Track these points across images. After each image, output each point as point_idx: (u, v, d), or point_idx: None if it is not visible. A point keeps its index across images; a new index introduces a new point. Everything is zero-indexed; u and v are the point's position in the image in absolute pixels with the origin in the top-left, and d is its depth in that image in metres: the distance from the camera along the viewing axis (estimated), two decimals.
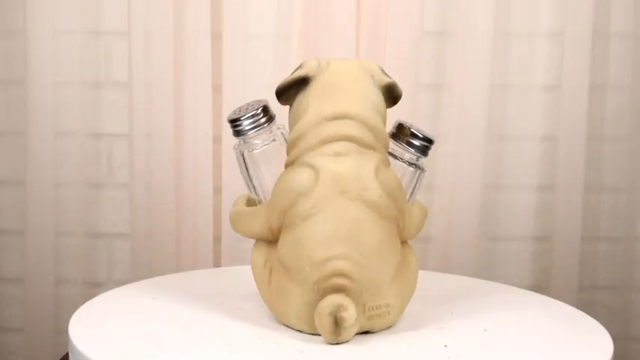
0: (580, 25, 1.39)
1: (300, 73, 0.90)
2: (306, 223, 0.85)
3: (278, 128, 0.95)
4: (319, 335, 0.85)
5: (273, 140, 0.94)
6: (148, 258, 1.42)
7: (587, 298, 1.46)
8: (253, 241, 0.93)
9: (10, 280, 1.49)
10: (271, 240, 0.90)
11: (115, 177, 1.47)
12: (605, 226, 1.47)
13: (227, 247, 1.41)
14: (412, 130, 0.95)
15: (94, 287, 1.47)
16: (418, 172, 0.96)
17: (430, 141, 0.96)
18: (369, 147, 0.88)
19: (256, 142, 0.93)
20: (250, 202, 0.97)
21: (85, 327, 0.88)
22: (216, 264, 1.44)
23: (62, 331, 1.43)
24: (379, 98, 0.91)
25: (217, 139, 1.42)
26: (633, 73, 1.42)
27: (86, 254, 1.47)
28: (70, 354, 0.85)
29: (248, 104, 0.95)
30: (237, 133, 0.94)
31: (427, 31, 1.42)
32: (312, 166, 0.86)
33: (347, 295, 0.83)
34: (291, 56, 1.39)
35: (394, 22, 1.37)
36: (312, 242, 0.84)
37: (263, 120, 0.93)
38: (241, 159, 0.94)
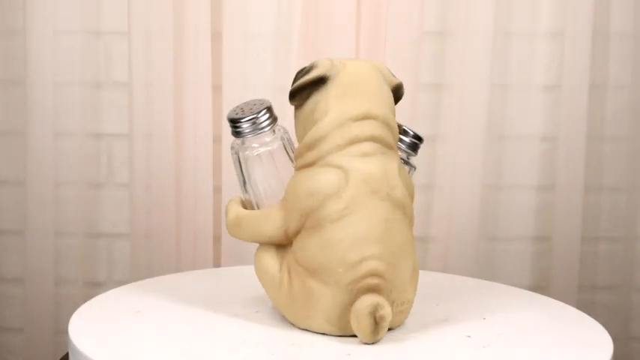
0: (580, 25, 1.39)
1: (318, 72, 0.88)
2: (337, 225, 0.84)
3: (278, 130, 0.93)
4: (342, 336, 0.85)
5: (272, 144, 0.92)
6: (148, 258, 1.42)
7: (587, 298, 1.46)
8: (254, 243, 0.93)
9: (10, 280, 1.49)
10: (283, 243, 0.89)
11: (115, 177, 1.47)
12: (605, 226, 1.47)
13: (227, 247, 1.41)
14: (403, 127, 0.95)
15: (94, 287, 1.47)
16: (410, 170, 0.96)
17: (420, 139, 0.96)
18: (390, 147, 0.88)
19: (254, 144, 0.92)
20: (244, 206, 0.95)
21: (85, 327, 0.88)
22: (216, 264, 1.44)
23: (62, 331, 1.43)
24: (391, 98, 0.91)
25: (217, 139, 1.42)
26: (633, 73, 1.43)
27: (86, 254, 1.47)
28: (70, 354, 0.85)
29: (249, 104, 0.93)
30: (236, 134, 0.92)
31: (427, 31, 1.42)
32: (339, 167, 0.85)
33: (380, 294, 0.84)
34: (291, 56, 1.39)
35: (394, 22, 1.37)
36: (344, 243, 0.83)
37: (264, 123, 0.91)
38: (237, 159, 0.93)
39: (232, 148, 0.94)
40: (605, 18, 1.43)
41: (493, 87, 1.41)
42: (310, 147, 0.87)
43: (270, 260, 0.89)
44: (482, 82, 1.39)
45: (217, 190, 1.42)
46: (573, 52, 1.40)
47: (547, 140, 1.45)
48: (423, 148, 0.99)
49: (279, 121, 0.94)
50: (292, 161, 0.92)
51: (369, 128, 0.87)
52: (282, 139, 0.93)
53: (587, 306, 1.43)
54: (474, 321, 0.94)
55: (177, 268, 1.41)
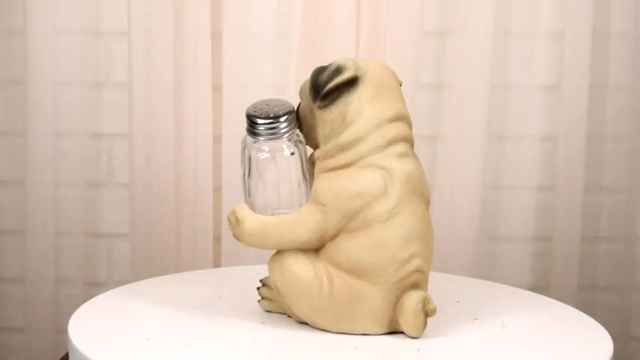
0: (580, 25, 1.39)
1: (351, 73, 0.88)
2: (387, 225, 0.85)
3: (295, 137, 0.89)
4: (374, 335, 0.87)
5: (285, 151, 0.88)
6: (148, 258, 1.42)
7: (587, 298, 1.46)
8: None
9: (10, 280, 1.49)
10: (318, 247, 0.88)
11: (115, 177, 1.47)
12: (605, 226, 1.47)
13: (227, 247, 1.41)
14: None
15: (94, 287, 1.47)
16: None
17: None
18: (413, 146, 0.91)
19: (265, 147, 0.89)
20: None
21: (85, 327, 0.88)
22: (216, 264, 1.44)
23: (62, 331, 1.43)
24: None
25: (217, 139, 1.42)
26: (633, 73, 1.42)
27: (86, 254, 1.47)
28: (70, 354, 0.85)
29: (272, 103, 0.89)
30: (251, 133, 0.89)
31: (427, 31, 1.42)
32: (382, 168, 0.86)
33: (421, 288, 0.88)
34: (291, 56, 1.39)
35: (394, 22, 1.37)
36: (396, 243, 0.85)
37: (282, 130, 0.88)
38: (244, 155, 0.90)
39: (242, 142, 0.91)
40: (605, 18, 1.43)
41: (493, 87, 1.41)
42: (345, 148, 0.87)
43: (302, 266, 0.87)
44: (482, 82, 1.39)
45: (217, 190, 1.42)
46: (573, 52, 1.40)
47: (547, 140, 1.45)
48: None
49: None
50: (305, 169, 0.89)
51: (403, 129, 0.89)
52: (297, 146, 0.89)
53: (587, 306, 1.43)
54: (474, 321, 0.94)
55: (178, 268, 1.41)
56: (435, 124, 1.43)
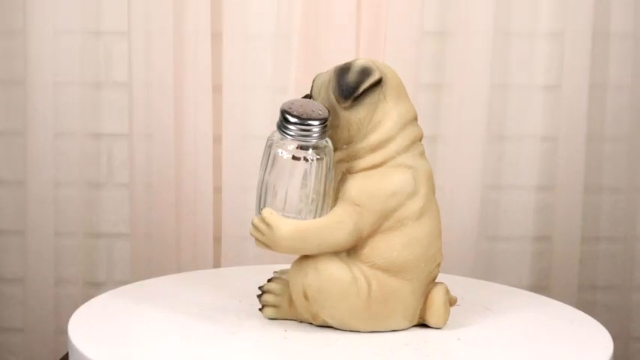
0: (580, 25, 1.39)
1: (378, 75, 0.89)
2: (419, 222, 0.89)
3: (318, 146, 0.86)
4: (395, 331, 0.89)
5: (312, 155, 0.86)
6: (148, 258, 1.42)
7: (587, 298, 1.46)
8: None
9: (10, 280, 1.49)
10: (350, 248, 0.88)
11: (115, 177, 1.47)
12: (605, 226, 1.47)
13: (227, 247, 1.41)
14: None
15: (94, 287, 1.47)
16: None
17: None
18: None
19: (290, 147, 0.86)
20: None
21: (85, 327, 0.88)
22: (216, 264, 1.44)
23: (62, 331, 1.43)
24: None
25: (217, 139, 1.42)
26: (633, 73, 1.42)
27: (86, 254, 1.47)
28: (69, 354, 0.85)
29: (308, 105, 0.87)
30: (281, 129, 0.86)
31: (427, 31, 1.42)
32: (410, 167, 0.89)
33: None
34: (291, 56, 1.38)
35: (394, 22, 1.37)
36: (427, 239, 0.89)
37: (314, 135, 0.86)
38: (268, 152, 0.87)
39: (269, 139, 0.88)
40: (605, 18, 1.43)
41: (493, 87, 1.41)
42: (375, 148, 0.88)
43: (339, 269, 0.87)
44: (482, 82, 1.39)
45: (217, 190, 1.42)
46: (573, 52, 1.40)
47: (547, 140, 1.45)
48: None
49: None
50: (325, 186, 0.88)
51: (420, 129, 0.92)
52: (322, 156, 0.87)
53: (587, 306, 1.43)
54: (474, 320, 0.94)
55: (178, 268, 1.41)
56: (435, 124, 1.43)
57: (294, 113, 0.86)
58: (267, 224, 0.86)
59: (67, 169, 1.44)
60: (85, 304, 0.97)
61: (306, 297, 0.88)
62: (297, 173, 0.87)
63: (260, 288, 0.93)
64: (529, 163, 1.46)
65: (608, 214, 1.47)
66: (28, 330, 1.44)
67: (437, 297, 0.90)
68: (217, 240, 1.43)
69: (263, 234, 0.87)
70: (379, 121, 0.88)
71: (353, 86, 0.88)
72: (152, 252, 1.41)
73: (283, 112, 0.86)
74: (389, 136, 0.88)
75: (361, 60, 0.91)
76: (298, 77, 1.37)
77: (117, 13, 1.43)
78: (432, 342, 0.87)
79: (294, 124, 0.86)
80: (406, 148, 0.89)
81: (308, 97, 0.93)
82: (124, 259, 1.48)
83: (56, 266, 1.44)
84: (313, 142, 0.86)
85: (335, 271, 0.87)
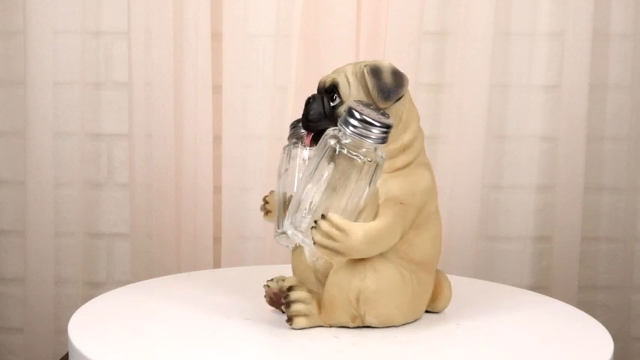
0: (580, 25, 1.39)
1: (406, 77, 0.90)
2: (437, 217, 0.93)
3: (369, 152, 0.84)
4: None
5: (357, 159, 0.84)
6: (148, 258, 1.42)
7: (587, 298, 1.46)
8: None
9: (10, 280, 1.49)
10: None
11: (115, 177, 1.47)
12: (605, 226, 1.47)
13: (227, 247, 1.41)
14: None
15: (94, 287, 1.47)
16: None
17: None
18: None
19: (346, 141, 0.84)
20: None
21: (85, 327, 0.88)
22: (216, 264, 1.44)
23: (62, 331, 1.43)
24: None
25: (217, 139, 1.42)
26: (633, 73, 1.43)
27: (86, 254, 1.47)
28: (70, 354, 0.85)
29: (375, 111, 0.86)
30: (345, 122, 0.83)
31: (427, 31, 1.42)
32: (428, 166, 0.92)
33: None
34: (291, 56, 1.39)
35: (394, 22, 1.37)
36: (441, 233, 0.94)
37: (372, 137, 0.83)
38: (325, 147, 0.84)
39: (330, 135, 0.85)
40: (605, 18, 1.43)
41: (493, 87, 1.41)
42: (406, 148, 0.90)
43: (393, 268, 0.88)
44: (482, 82, 1.39)
45: (217, 190, 1.42)
46: (573, 52, 1.40)
47: (547, 140, 1.45)
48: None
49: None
50: (364, 197, 0.85)
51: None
52: (371, 164, 0.85)
53: (587, 306, 1.43)
54: (474, 320, 0.94)
55: (178, 268, 1.41)
56: (435, 124, 1.43)
57: (363, 112, 0.84)
58: (342, 230, 0.83)
59: (67, 169, 1.44)
60: (85, 304, 0.97)
61: (357, 300, 0.87)
62: (354, 177, 0.85)
63: (285, 299, 0.89)
64: (529, 163, 1.46)
65: (608, 214, 1.47)
66: (28, 330, 1.44)
67: (445, 283, 0.96)
68: (217, 240, 1.43)
69: (336, 240, 0.83)
70: (407, 121, 0.90)
71: (394, 88, 0.88)
72: (152, 252, 1.41)
73: (352, 108, 0.84)
74: (416, 135, 0.91)
75: (384, 61, 0.91)
76: (298, 77, 1.37)
77: (117, 13, 1.43)
78: (431, 341, 0.87)
79: (377, 127, 0.84)
80: (423, 147, 0.93)
81: (315, 97, 0.91)
82: (124, 259, 1.48)
83: (56, 266, 1.44)
84: (368, 142, 0.84)
85: (391, 271, 0.88)
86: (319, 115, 0.90)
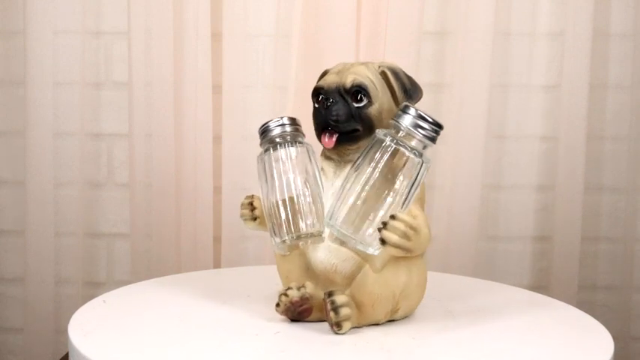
0: (580, 25, 1.39)
1: None
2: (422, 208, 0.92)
3: (419, 150, 0.87)
4: None
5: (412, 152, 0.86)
6: (148, 258, 1.42)
7: (587, 298, 1.46)
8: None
9: (10, 280, 1.49)
10: None
11: (115, 177, 1.47)
12: (605, 226, 1.47)
13: (227, 247, 1.41)
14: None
15: (94, 287, 1.47)
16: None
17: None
18: None
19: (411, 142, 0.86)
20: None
21: (85, 327, 0.88)
22: (216, 264, 1.44)
23: (62, 331, 1.43)
24: None
25: (217, 139, 1.42)
26: (633, 73, 1.43)
27: (86, 254, 1.47)
28: (70, 354, 0.85)
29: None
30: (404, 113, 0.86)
31: (427, 31, 1.42)
32: None
33: None
34: (291, 56, 1.39)
35: (394, 22, 1.37)
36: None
37: (429, 134, 0.87)
38: (390, 149, 0.86)
39: (389, 137, 0.85)
40: (605, 18, 1.43)
41: (493, 87, 1.41)
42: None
43: (422, 259, 0.91)
44: (482, 82, 1.39)
45: (217, 190, 1.42)
46: (573, 52, 1.40)
47: (547, 140, 1.46)
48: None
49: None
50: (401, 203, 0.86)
51: None
52: (426, 158, 0.87)
53: (587, 306, 1.43)
54: (474, 320, 0.94)
55: (178, 268, 1.41)
56: None
57: (419, 110, 0.87)
58: (414, 228, 0.84)
59: (67, 169, 1.44)
60: (85, 304, 0.97)
61: (400, 294, 0.88)
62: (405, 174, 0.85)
63: (332, 306, 0.87)
64: (529, 163, 1.46)
65: (608, 214, 1.47)
66: (28, 330, 1.44)
67: None
68: (217, 240, 1.43)
69: (410, 239, 0.84)
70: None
71: (414, 89, 0.93)
72: (152, 252, 1.41)
73: (409, 106, 0.86)
74: None
75: (394, 62, 0.94)
76: (298, 77, 1.37)
77: (117, 13, 1.43)
78: (431, 341, 0.87)
79: (416, 116, 0.86)
80: None
81: (336, 99, 0.91)
82: (124, 259, 1.48)
83: (56, 266, 1.44)
84: (425, 140, 0.86)
85: (423, 263, 0.90)
86: (347, 116, 0.90)
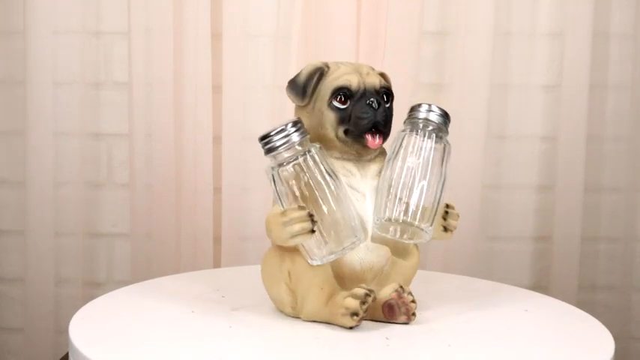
0: (580, 25, 1.39)
1: None
2: None
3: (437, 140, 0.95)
4: None
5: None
6: (148, 258, 1.42)
7: (587, 298, 1.46)
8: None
9: (10, 280, 1.49)
10: None
11: (115, 177, 1.47)
12: (605, 226, 1.47)
13: (227, 247, 1.41)
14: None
15: (94, 287, 1.47)
16: None
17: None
18: None
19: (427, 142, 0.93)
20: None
21: (85, 327, 0.88)
22: (216, 264, 1.44)
23: (62, 331, 1.43)
24: None
25: (217, 139, 1.42)
26: (633, 73, 1.43)
27: (86, 254, 1.47)
28: (70, 354, 0.85)
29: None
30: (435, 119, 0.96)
31: (427, 31, 1.42)
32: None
33: None
34: (291, 56, 1.39)
35: (394, 22, 1.37)
36: None
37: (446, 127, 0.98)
38: (432, 152, 0.93)
39: (426, 129, 0.95)
40: (605, 18, 1.43)
41: (493, 87, 1.41)
42: None
43: None
44: (482, 82, 1.39)
45: (217, 190, 1.42)
46: (573, 52, 1.40)
47: (547, 140, 1.46)
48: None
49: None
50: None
51: None
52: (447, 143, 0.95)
53: (587, 306, 1.42)
54: (474, 320, 0.94)
55: (178, 269, 1.41)
56: None
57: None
58: (458, 214, 0.95)
59: (67, 169, 1.44)
60: (86, 305, 0.97)
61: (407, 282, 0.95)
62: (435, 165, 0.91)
63: (410, 296, 0.90)
64: (529, 163, 1.46)
65: (608, 214, 1.47)
66: (28, 330, 1.44)
67: None
68: (217, 240, 1.43)
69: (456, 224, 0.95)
70: None
71: None
72: (152, 252, 1.41)
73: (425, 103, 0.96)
74: None
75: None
76: None
77: (117, 13, 1.43)
78: (431, 340, 0.87)
79: (438, 108, 0.96)
80: None
81: (377, 101, 0.93)
82: (124, 259, 1.48)
83: (56, 266, 1.44)
84: (446, 129, 0.96)
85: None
86: (390, 117, 0.95)
